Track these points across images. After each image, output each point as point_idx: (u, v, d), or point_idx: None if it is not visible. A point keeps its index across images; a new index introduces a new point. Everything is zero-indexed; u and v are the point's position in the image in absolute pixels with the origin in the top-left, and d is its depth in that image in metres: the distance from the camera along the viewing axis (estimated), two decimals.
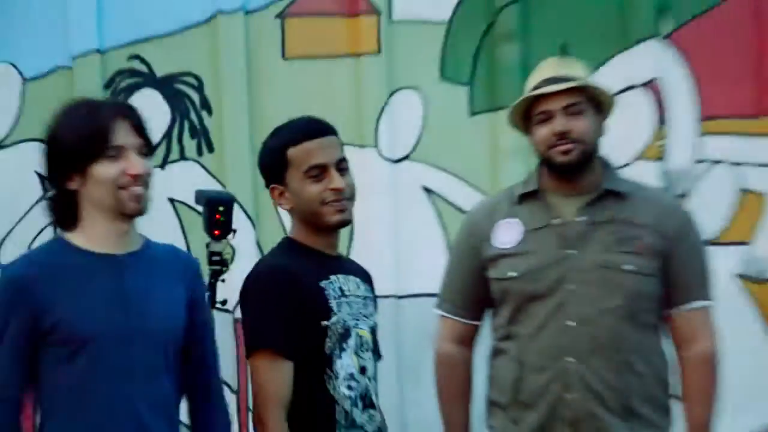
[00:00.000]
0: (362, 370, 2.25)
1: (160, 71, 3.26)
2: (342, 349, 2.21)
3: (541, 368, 2.37)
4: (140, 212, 1.95)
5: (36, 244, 3.11)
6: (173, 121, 3.30)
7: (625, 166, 2.96)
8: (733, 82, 3.19)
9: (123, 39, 3.26)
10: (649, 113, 3.18)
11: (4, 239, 3.25)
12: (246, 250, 3.01)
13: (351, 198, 2.24)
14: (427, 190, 3.28)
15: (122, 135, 1.85)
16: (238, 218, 2.82)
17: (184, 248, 3.01)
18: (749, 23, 3.19)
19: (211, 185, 3.28)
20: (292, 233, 2.27)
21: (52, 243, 2.02)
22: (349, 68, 3.30)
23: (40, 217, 2.99)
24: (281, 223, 3.08)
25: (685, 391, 2.40)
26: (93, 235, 1.94)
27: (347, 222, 2.24)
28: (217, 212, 2.71)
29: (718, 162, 3.20)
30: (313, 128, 2.25)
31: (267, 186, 2.23)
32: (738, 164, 3.19)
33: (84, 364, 1.89)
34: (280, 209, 2.93)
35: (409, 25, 3.30)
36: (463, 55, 3.30)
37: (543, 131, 2.30)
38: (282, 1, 3.28)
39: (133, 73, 3.27)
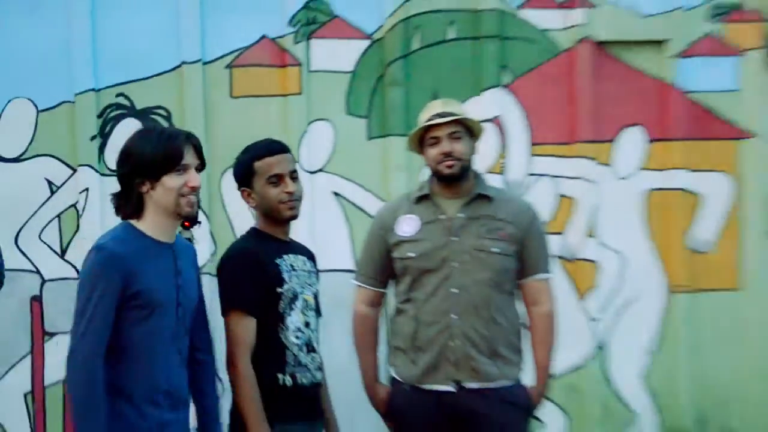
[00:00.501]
0: (306, 324, 2.77)
1: (139, 105, 3.88)
2: (291, 309, 2.73)
3: (432, 323, 2.94)
4: (192, 215, 2.38)
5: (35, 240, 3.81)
6: None
7: None
8: (553, 118, 4.14)
9: (112, 81, 3.85)
10: (495, 140, 4.06)
11: (17, 234, 3.78)
12: (202, 236, 3.73)
13: (299, 199, 2.74)
14: (336, 194, 4.03)
15: (189, 156, 2.30)
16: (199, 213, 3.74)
17: None
18: (564, 76, 4.15)
19: None
20: (256, 224, 2.80)
21: (125, 227, 2.38)
22: (280, 105, 4.00)
23: (46, 218, 3.81)
24: (228, 218, 3.89)
25: (533, 339, 3.06)
26: (154, 227, 2.34)
27: (296, 216, 2.74)
28: None
29: (542, 175, 4.12)
30: (274, 147, 2.78)
31: (238, 189, 2.74)
32: (556, 177, 4.13)
33: (153, 324, 2.29)
34: (228, 208, 3.94)
35: (323, 74, 4.05)
36: (362, 96, 4.08)
37: (433, 152, 2.91)
38: (230, 55, 3.99)
39: (119, 106, 3.89)
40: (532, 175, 4.13)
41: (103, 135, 3.90)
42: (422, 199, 3.01)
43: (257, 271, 2.67)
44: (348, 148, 4.00)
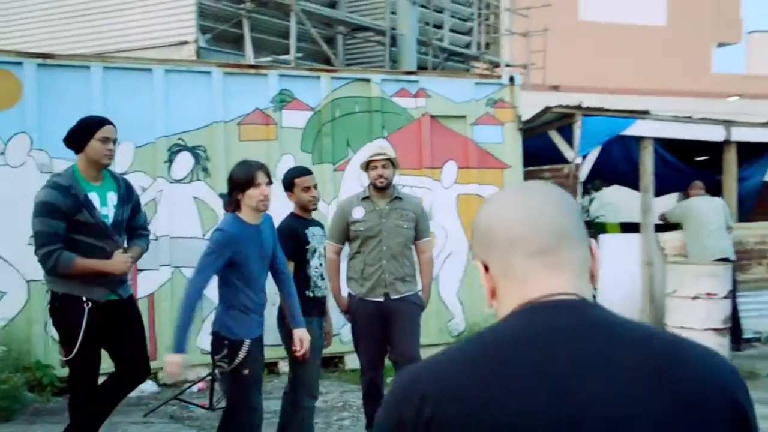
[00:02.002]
0: (320, 264, 4.66)
1: (189, 144, 6.79)
2: (313, 256, 4.58)
3: (372, 264, 4.92)
4: (265, 211, 3.97)
5: None
6: (195, 165, 7.06)
7: None
8: (410, 154, 7.58)
9: (174, 131, 6.73)
10: None
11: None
12: None
13: (318, 199, 4.67)
14: None
15: (260, 177, 3.89)
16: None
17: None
18: (415, 133, 7.66)
19: (210, 193, 7.10)
20: (293, 210, 4.69)
21: (233, 216, 3.93)
22: (265, 146, 7.00)
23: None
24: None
25: (422, 271, 5.15)
26: (247, 217, 3.92)
27: (315, 209, 4.71)
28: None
29: (404, 185, 7.44)
30: (306, 170, 4.74)
31: (285, 191, 4.71)
32: (413, 186, 7.38)
33: (250, 267, 3.87)
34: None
35: (288, 129, 7.16)
36: (309, 141, 7.27)
37: (373, 173, 4.90)
38: (239, 117, 6.96)
39: (177, 145, 6.73)
40: (399, 185, 7.57)
41: (170, 160, 6.98)
42: (365, 198, 5.09)
43: (294, 238, 4.62)
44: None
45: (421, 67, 11.38)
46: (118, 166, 6.73)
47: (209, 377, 6.13)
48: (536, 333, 1.17)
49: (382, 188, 5.02)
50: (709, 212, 8.49)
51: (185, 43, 9.62)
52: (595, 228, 9.42)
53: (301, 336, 4.30)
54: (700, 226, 8.42)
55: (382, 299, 5.04)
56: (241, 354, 4.00)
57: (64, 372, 6.39)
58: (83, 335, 4.12)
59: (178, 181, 6.96)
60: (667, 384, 1.12)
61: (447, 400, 1.14)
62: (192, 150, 7.01)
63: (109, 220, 4.28)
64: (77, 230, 4.17)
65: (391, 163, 5.04)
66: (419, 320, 5.26)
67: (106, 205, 4.31)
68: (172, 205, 6.86)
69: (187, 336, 3.98)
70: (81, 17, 10.24)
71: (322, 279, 4.79)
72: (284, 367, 7.07)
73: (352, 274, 5.11)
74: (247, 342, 4.01)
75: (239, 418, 4.11)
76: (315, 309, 4.67)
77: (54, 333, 6.35)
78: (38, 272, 6.28)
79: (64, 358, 4.26)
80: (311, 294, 4.66)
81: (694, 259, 8.29)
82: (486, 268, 1.28)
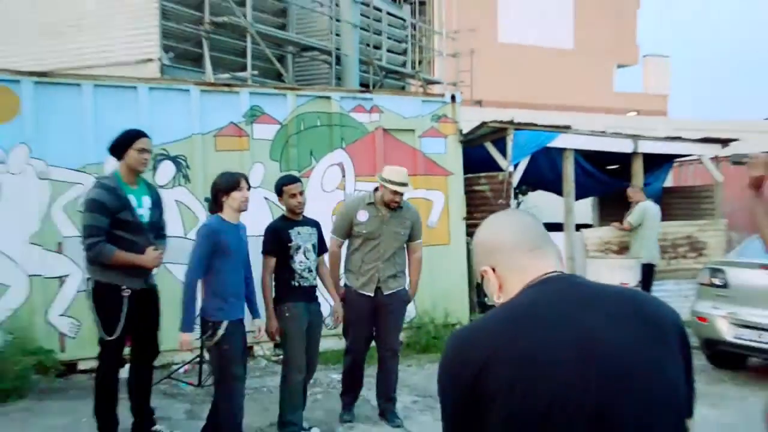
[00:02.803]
0: (307, 258, 5.27)
1: (172, 153, 7.50)
2: (296, 252, 5.22)
3: (369, 262, 5.54)
4: (245, 210, 4.77)
5: None
6: (176, 172, 7.78)
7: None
8: (366, 163, 8.79)
9: (157, 142, 6.99)
10: (339, 173, 8.41)
11: None
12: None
13: (304, 203, 5.24)
14: (266, 198, 7.90)
15: (242, 183, 4.76)
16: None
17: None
18: (370, 144, 8.64)
19: (190, 197, 7.86)
20: (284, 213, 5.35)
21: (217, 217, 4.68)
22: (239, 155, 7.78)
23: None
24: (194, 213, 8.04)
25: (411, 269, 5.84)
26: (228, 217, 4.69)
27: (302, 212, 5.26)
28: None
29: (361, 190, 8.58)
30: (294, 179, 5.36)
31: (277, 195, 5.51)
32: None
33: (232, 260, 4.63)
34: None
35: (259, 140, 7.98)
36: (277, 151, 8.09)
37: (390, 197, 5.46)
38: (215, 130, 7.75)
39: (161, 154, 7.37)
40: (356, 190, 8.56)
41: (155, 168, 7.73)
42: (370, 203, 5.64)
43: (276, 236, 5.27)
44: (270, 176, 7.80)
45: (363, 84, 12.42)
46: (108, 172, 7.47)
47: (197, 359, 6.95)
48: (545, 295, 1.63)
49: (396, 208, 5.69)
50: (658, 215, 9.64)
51: (150, 60, 10.33)
52: None
53: (259, 325, 5.18)
54: (653, 229, 9.53)
55: (373, 294, 5.70)
56: (220, 332, 4.75)
57: (65, 356, 7.13)
58: (124, 318, 4.89)
59: (161, 187, 7.59)
60: (639, 316, 1.59)
61: (499, 355, 1.52)
62: (174, 159, 7.76)
63: (145, 220, 5.04)
64: (119, 227, 4.93)
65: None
66: (404, 314, 6.05)
67: (141, 207, 5.07)
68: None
69: (193, 317, 4.74)
70: (59, 35, 10.77)
71: (309, 271, 5.40)
72: (259, 351, 7.94)
73: (351, 268, 5.72)
74: (225, 323, 4.75)
75: (226, 386, 4.86)
76: (301, 296, 5.34)
77: (56, 321, 7.16)
78: (38, 268, 7.07)
79: (108, 338, 4.95)
80: (296, 284, 5.33)
81: (646, 258, 9.40)
82: (494, 270, 1.74)
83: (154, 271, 5.30)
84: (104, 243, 4.87)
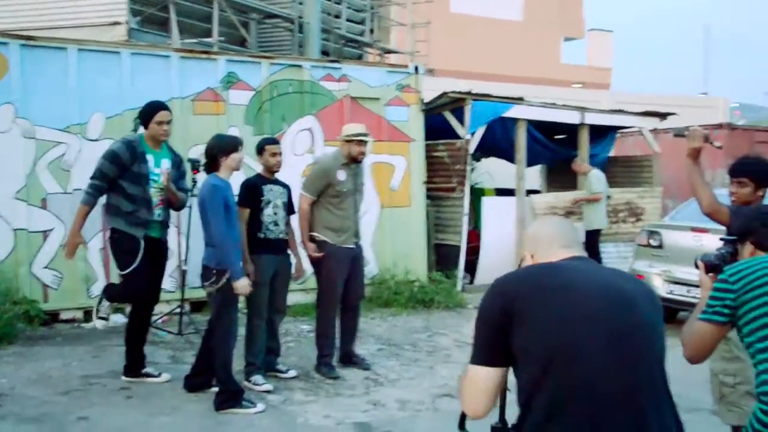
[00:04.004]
0: (276, 214, 5.78)
1: None
2: (267, 206, 5.73)
3: (347, 218, 6.12)
4: (239, 170, 5.57)
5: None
6: None
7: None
8: (334, 129, 9.32)
9: (138, 104, 7.22)
10: (309, 137, 9.03)
11: None
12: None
13: (281, 164, 5.88)
14: None
15: (240, 146, 5.28)
16: None
17: None
18: (338, 111, 9.15)
19: None
20: (261, 171, 5.92)
21: (214, 176, 5.08)
22: (215, 119, 8.19)
23: None
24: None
25: None
26: (224, 175, 5.14)
27: (279, 171, 5.86)
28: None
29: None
30: (275, 141, 6.09)
31: (257, 154, 6.00)
32: None
33: (230, 217, 5.12)
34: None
35: (235, 105, 8.41)
36: (252, 116, 8.55)
37: (356, 148, 6.05)
38: (194, 95, 8.14)
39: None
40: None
41: (135, 130, 8.08)
42: (344, 164, 6.12)
43: (251, 191, 5.75)
44: (245, 140, 7.43)
45: (324, 52, 12.87)
46: (90, 133, 7.86)
47: (176, 309, 7.46)
48: (566, 264, 2.20)
49: (361, 161, 6.21)
50: (606, 185, 10.37)
51: (117, 23, 10.62)
52: (475, 192, 11.27)
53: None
54: (603, 198, 10.28)
55: (353, 246, 6.23)
56: (224, 280, 5.15)
57: (48, 306, 7.59)
58: (140, 259, 5.47)
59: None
60: (627, 285, 2.15)
61: (527, 290, 2.08)
62: None
63: (159, 180, 5.59)
64: (128, 179, 5.46)
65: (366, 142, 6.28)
66: None
67: (159, 167, 5.61)
68: None
69: (239, 264, 5.18)
70: None
71: (276, 225, 5.83)
72: None
73: (331, 226, 6.10)
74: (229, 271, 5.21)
75: (224, 325, 5.30)
76: (264, 248, 5.76)
77: (40, 273, 7.58)
78: (23, 222, 7.48)
79: (122, 272, 5.53)
80: (262, 236, 5.75)
81: (596, 225, 10.15)
82: (532, 256, 2.30)
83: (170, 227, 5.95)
84: (91, 191, 5.50)
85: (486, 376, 2.08)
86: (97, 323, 5.76)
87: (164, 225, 5.79)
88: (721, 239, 2.98)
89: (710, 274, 2.78)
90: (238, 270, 5.18)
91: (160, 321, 7.72)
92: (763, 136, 14.33)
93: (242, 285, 5.18)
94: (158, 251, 5.74)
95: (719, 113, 23.42)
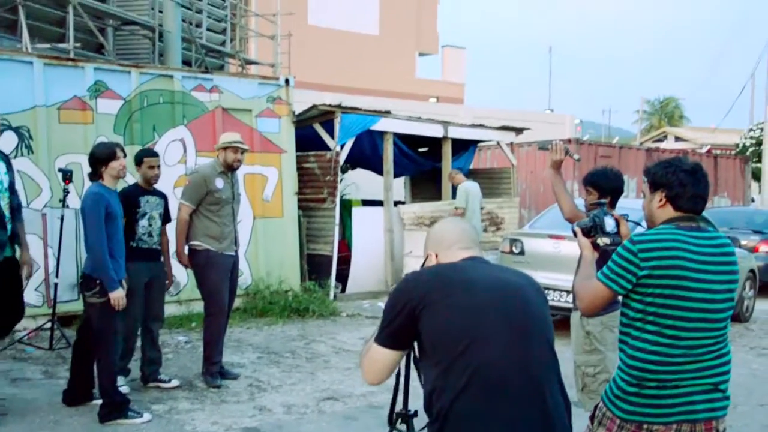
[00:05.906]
0: (150, 225, 5.87)
1: (14, 124, 7.50)
2: (142, 218, 5.83)
3: (229, 223, 6.21)
4: (124, 177, 5.43)
5: None
6: (19, 142, 7.79)
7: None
8: (206, 140, 9.23)
9: (2, 112, 7.49)
10: (181, 148, 9.10)
11: None
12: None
13: (159, 176, 5.91)
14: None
15: (119, 152, 5.18)
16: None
17: None
18: (209, 122, 9.37)
19: (33, 168, 7.98)
20: (138, 181, 5.93)
21: (98, 184, 5.07)
22: (83, 129, 8.01)
23: None
24: (37, 184, 8.17)
25: None
26: (108, 183, 5.14)
27: (156, 183, 5.91)
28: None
29: None
30: (153, 153, 6.07)
31: (136, 165, 6.06)
32: None
33: (115, 226, 5.11)
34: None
35: (103, 114, 8.20)
36: (121, 126, 8.35)
37: (233, 156, 6.18)
38: (60, 103, 7.87)
39: (4, 126, 7.23)
40: (196, 164, 9.08)
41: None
42: (221, 172, 6.21)
43: (126, 202, 5.59)
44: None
45: (186, 62, 12.72)
46: None
47: (48, 323, 7.21)
48: (467, 264, 2.43)
49: (236, 170, 6.36)
50: (479, 196, 10.71)
51: None
52: (343, 203, 11.53)
53: None
54: (474, 210, 10.57)
55: (233, 253, 6.34)
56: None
57: None
58: None
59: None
60: (518, 280, 2.43)
61: (435, 285, 2.30)
62: (16, 130, 7.82)
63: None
64: None
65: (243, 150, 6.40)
66: None
67: None
68: None
69: (114, 276, 5.06)
70: None
71: (149, 236, 5.91)
72: None
73: (212, 234, 6.15)
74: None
75: (107, 335, 5.21)
76: (139, 256, 5.77)
77: None
78: None
79: None
80: (135, 245, 5.79)
81: None
82: (436, 255, 2.49)
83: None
84: None
85: (388, 356, 2.35)
86: None
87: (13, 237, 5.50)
88: (591, 204, 3.36)
89: (590, 237, 3.11)
90: (112, 280, 5.11)
91: (26, 337, 7.43)
92: (605, 151, 15.65)
93: (116, 296, 5.12)
94: (7, 270, 5.42)
95: (566, 129, 25.06)
